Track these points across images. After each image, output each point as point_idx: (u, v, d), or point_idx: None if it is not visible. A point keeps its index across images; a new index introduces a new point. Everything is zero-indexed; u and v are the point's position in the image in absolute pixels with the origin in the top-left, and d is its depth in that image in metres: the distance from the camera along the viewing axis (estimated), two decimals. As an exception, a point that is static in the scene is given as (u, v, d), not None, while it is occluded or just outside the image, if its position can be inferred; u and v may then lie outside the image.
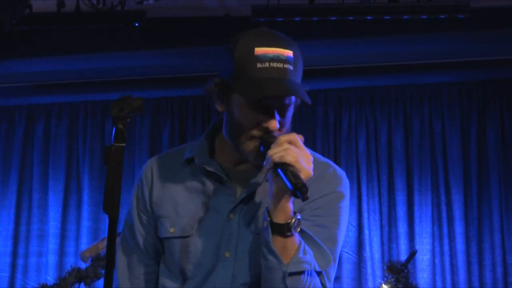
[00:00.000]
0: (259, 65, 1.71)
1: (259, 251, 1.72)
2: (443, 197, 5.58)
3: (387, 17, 4.66)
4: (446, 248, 5.51)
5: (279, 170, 1.65)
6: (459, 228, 5.50)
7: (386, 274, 4.49)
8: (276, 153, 1.66)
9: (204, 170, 1.84)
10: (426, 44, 5.33)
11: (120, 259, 1.94)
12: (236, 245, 1.79)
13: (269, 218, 1.69)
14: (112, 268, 1.60)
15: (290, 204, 1.69)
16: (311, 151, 1.78)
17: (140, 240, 1.91)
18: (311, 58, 5.70)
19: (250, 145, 1.75)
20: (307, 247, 1.73)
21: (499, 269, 5.41)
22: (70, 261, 5.82)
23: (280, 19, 4.73)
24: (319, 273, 1.76)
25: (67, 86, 5.91)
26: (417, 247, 5.43)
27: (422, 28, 5.16)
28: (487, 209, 5.54)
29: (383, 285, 4.44)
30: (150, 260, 1.92)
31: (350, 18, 4.69)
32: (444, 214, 5.56)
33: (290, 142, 1.67)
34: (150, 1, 4.77)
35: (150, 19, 4.91)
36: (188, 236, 1.81)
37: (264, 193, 1.79)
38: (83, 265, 4.34)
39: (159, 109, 6.09)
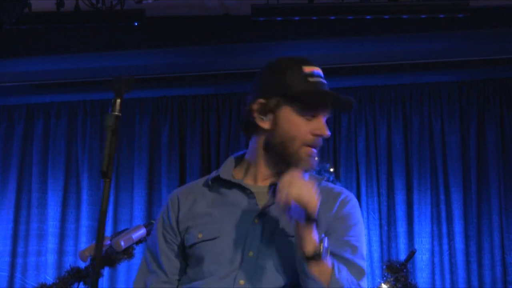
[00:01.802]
0: (310, 79, 1.99)
1: (300, 279, 1.87)
2: (442, 197, 5.58)
3: (386, 17, 4.66)
4: (445, 247, 5.51)
5: (293, 207, 1.80)
6: (458, 227, 5.50)
7: (385, 274, 4.48)
8: (281, 198, 1.80)
9: (230, 184, 2.02)
10: (425, 43, 5.33)
11: (139, 278, 2.10)
12: (259, 246, 1.92)
13: (299, 252, 1.83)
14: (103, 225, 1.78)
15: (313, 235, 1.82)
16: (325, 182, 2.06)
17: (163, 259, 2.05)
18: (310, 57, 5.70)
19: (305, 152, 1.96)
20: (340, 266, 1.88)
21: (498, 268, 5.41)
22: (70, 260, 5.83)
23: (279, 19, 4.73)
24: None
25: (66, 85, 5.91)
26: (416, 246, 5.43)
27: (422, 27, 5.16)
28: (486, 208, 5.54)
29: (382, 284, 4.44)
30: (166, 277, 2.05)
31: (350, 17, 4.69)
32: (443, 214, 5.56)
33: (290, 182, 1.81)
34: (149, 0, 4.77)
35: (150, 18, 4.90)
36: (215, 238, 1.96)
37: None
38: (82, 265, 4.33)
39: (158, 108, 6.09)
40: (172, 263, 2.04)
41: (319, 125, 1.97)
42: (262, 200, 1.99)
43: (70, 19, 4.83)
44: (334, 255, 1.89)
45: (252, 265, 1.91)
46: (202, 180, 2.12)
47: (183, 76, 5.82)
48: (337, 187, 2.11)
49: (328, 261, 1.85)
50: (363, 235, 2.04)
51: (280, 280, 1.91)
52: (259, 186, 2.01)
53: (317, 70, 2.02)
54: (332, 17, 4.70)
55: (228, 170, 2.07)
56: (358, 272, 1.93)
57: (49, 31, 5.28)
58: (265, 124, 1.99)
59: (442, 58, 5.46)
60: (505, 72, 5.69)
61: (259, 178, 2.03)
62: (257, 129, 2.01)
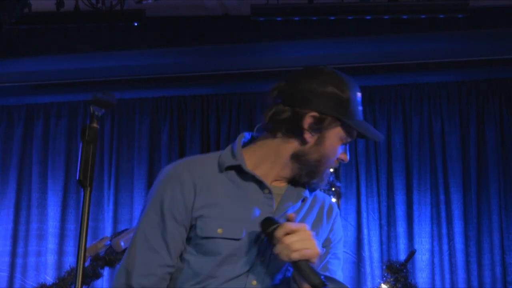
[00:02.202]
0: (359, 108, 2.01)
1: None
2: (442, 197, 5.58)
3: (386, 17, 4.66)
4: (445, 247, 5.51)
5: (293, 268, 1.84)
6: (458, 227, 5.50)
7: (385, 274, 4.49)
8: (281, 253, 1.82)
9: (251, 178, 1.96)
10: (425, 44, 5.33)
11: (139, 253, 1.95)
12: (270, 253, 1.91)
13: (304, 285, 1.85)
14: (85, 235, 1.86)
15: (315, 270, 1.84)
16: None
17: (168, 238, 1.93)
18: (310, 57, 5.74)
19: (328, 173, 2.01)
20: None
21: (498, 269, 5.41)
22: (69, 261, 5.82)
23: (279, 19, 4.73)
24: None
25: (66, 85, 5.91)
26: (416, 246, 5.43)
27: (422, 28, 5.16)
28: (486, 209, 5.54)
29: (382, 284, 4.44)
30: (171, 261, 1.95)
31: (349, 17, 4.68)
32: (443, 214, 5.56)
33: (286, 234, 1.82)
34: (149, 0, 4.77)
35: (149, 18, 4.90)
36: (237, 239, 1.91)
37: (299, 209, 2.01)
38: (82, 265, 4.33)
39: (158, 108, 6.09)
40: (177, 247, 1.94)
41: (345, 152, 2.02)
42: (276, 199, 1.98)
43: (70, 19, 4.82)
44: (330, 280, 1.92)
45: (263, 270, 1.93)
46: (213, 159, 2.02)
47: (182, 76, 5.82)
48: (325, 196, 2.15)
49: None
50: (341, 250, 2.13)
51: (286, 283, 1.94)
52: (271, 185, 1.99)
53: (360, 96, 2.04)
54: (332, 17, 4.70)
55: (242, 159, 1.99)
56: None
57: (49, 31, 5.28)
58: (311, 138, 1.96)
59: (442, 58, 5.46)
60: (505, 72, 5.69)
61: (270, 176, 1.99)
62: (294, 136, 1.96)
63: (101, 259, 4.23)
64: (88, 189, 1.86)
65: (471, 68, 5.61)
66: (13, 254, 6.02)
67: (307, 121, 1.94)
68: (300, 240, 1.81)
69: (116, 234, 4.35)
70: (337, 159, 2.00)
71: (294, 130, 1.95)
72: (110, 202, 5.96)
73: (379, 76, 5.76)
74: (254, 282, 1.91)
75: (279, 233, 1.82)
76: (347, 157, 2.01)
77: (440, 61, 5.52)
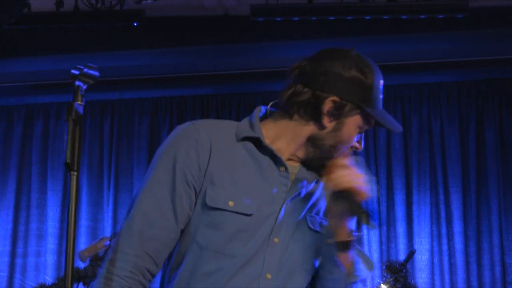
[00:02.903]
0: (381, 96, 1.92)
1: (324, 266, 1.88)
2: (441, 197, 5.58)
3: (385, 17, 4.66)
4: (444, 247, 5.51)
5: (339, 196, 1.82)
6: (457, 227, 5.50)
7: (385, 274, 4.49)
8: (332, 180, 1.83)
9: (268, 153, 1.87)
10: (424, 44, 5.33)
11: (145, 215, 1.80)
12: (285, 235, 1.85)
13: (333, 237, 1.84)
14: (73, 223, 1.68)
15: (349, 224, 1.84)
16: None
17: (177, 202, 1.80)
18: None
19: (337, 155, 1.92)
20: (358, 259, 1.91)
21: (498, 269, 5.41)
22: (65, 261, 5.81)
23: (278, 19, 4.74)
24: (365, 281, 1.95)
25: (65, 85, 5.88)
26: (416, 246, 5.43)
27: (421, 28, 5.16)
28: (485, 209, 5.54)
29: (381, 284, 4.44)
30: (177, 227, 1.81)
31: (349, 17, 4.69)
32: (442, 214, 5.56)
33: (343, 167, 1.85)
34: (149, 1, 4.77)
35: (149, 18, 4.91)
36: (250, 215, 1.80)
37: (314, 193, 1.93)
38: (82, 265, 4.34)
39: (157, 108, 6.09)
40: (185, 212, 1.81)
41: (361, 140, 1.96)
42: (291, 178, 1.89)
43: (70, 19, 4.83)
44: (358, 250, 1.93)
45: (277, 254, 1.83)
46: (232, 127, 1.91)
47: (182, 76, 5.82)
48: None
49: (352, 252, 1.88)
50: None
51: (302, 276, 1.89)
52: (287, 163, 1.90)
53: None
54: (331, 17, 4.70)
55: (260, 132, 1.89)
56: (370, 265, 1.96)
57: (49, 31, 5.28)
58: (329, 123, 1.87)
59: (441, 58, 5.46)
60: (505, 73, 5.69)
61: (285, 154, 1.89)
62: (313, 119, 1.87)
63: (100, 259, 4.22)
64: (76, 173, 1.76)
65: (471, 68, 5.62)
66: (13, 254, 6.02)
67: (327, 106, 1.85)
68: (354, 176, 1.85)
69: (115, 234, 4.35)
70: (351, 147, 1.94)
71: (313, 114, 1.86)
72: (109, 202, 5.96)
73: (378, 76, 5.76)
74: (269, 276, 1.81)
75: (338, 162, 1.86)
76: (361, 146, 1.97)
77: (440, 61, 5.52)
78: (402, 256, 5.28)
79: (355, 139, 1.93)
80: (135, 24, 4.80)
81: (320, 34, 5.31)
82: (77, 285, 4.37)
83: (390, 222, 5.63)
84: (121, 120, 6.15)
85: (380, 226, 5.62)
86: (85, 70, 1.82)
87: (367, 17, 4.68)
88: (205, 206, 1.80)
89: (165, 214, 1.79)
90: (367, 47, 5.39)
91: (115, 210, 5.95)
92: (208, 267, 1.80)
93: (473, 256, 5.49)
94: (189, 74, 5.80)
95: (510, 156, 5.60)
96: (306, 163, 1.92)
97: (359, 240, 1.89)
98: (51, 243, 5.96)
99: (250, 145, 1.87)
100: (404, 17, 4.66)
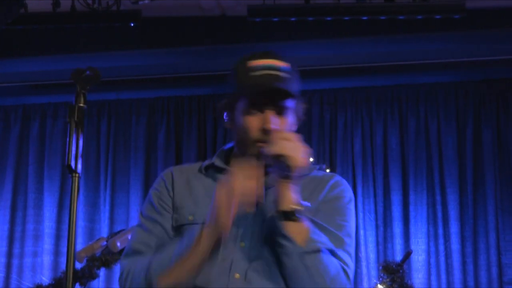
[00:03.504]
0: (251, 73, 1.94)
1: (275, 241, 1.86)
2: (438, 197, 5.59)
3: (382, 17, 4.66)
4: (441, 248, 5.51)
5: (274, 162, 1.85)
6: (454, 228, 5.50)
7: (382, 274, 4.48)
8: (269, 148, 1.85)
9: (223, 171, 2.01)
10: (421, 44, 5.33)
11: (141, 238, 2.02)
12: (251, 236, 1.92)
13: (277, 207, 1.85)
14: (73, 225, 1.79)
15: (291, 192, 1.85)
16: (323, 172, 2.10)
17: (165, 224, 2.01)
18: (306, 58, 5.74)
19: (254, 150, 1.93)
20: (318, 231, 1.89)
21: (494, 269, 5.41)
22: (66, 262, 5.81)
23: (276, 19, 4.73)
24: (334, 253, 1.90)
25: (62, 85, 5.90)
26: (413, 247, 5.43)
27: (418, 28, 5.16)
28: (482, 209, 5.54)
29: (378, 285, 4.44)
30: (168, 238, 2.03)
31: (346, 18, 4.69)
32: (439, 214, 5.56)
33: (283, 138, 1.86)
34: (146, 1, 4.76)
35: (146, 18, 4.90)
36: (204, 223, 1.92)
37: (272, 192, 1.95)
38: (78, 266, 4.33)
39: (154, 108, 6.09)
40: (165, 234, 2.02)
41: (264, 120, 1.93)
42: None
43: (66, 20, 4.82)
44: (315, 223, 1.90)
45: (245, 256, 1.90)
46: (196, 165, 2.12)
47: (179, 76, 5.82)
48: (329, 173, 2.13)
49: (306, 223, 1.85)
50: (352, 217, 2.03)
51: (272, 272, 1.89)
52: None
53: (266, 63, 1.95)
54: (329, 18, 4.70)
55: (220, 159, 2.08)
56: (337, 241, 1.92)
57: (45, 31, 5.27)
58: (229, 124, 2.04)
59: (438, 59, 5.47)
60: (502, 73, 5.69)
61: None
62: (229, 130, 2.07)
63: (97, 259, 4.22)
64: (77, 175, 1.79)
65: (468, 69, 5.62)
66: (9, 255, 6.01)
67: (221, 111, 2.06)
68: (292, 145, 1.84)
69: (112, 234, 4.35)
70: (262, 130, 1.93)
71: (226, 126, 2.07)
72: (106, 203, 5.96)
73: (375, 77, 5.77)
74: (238, 276, 1.88)
75: (277, 134, 1.87)
76: (268, 125, 1.92)
77: (437, 62, 5.52)
78: (398, 257, 5.28)
79: (258, 124, 1.93)
80: (132, 25, 4.80)
81: (317, 34, 5.31)
82: (74, 286, 4.36)
83: (387, 223, 5.64)
84: (118, 120, 6.15)
85: (377, 226, 5.63)
86: (87, 72, 1.87)
87: (364, 18, 4.68)
88: (175, 229, 2.00)
89: (157, 234, 2.01)
90: (364, 48, 5.42)
91: (111, 210, 5.95)
92: None
93: (470, 257, 5.49)
94: (186, 74, 5.80)
95: (507, 156, 5.61)
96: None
97: (307, 211, 1.86)
98: (47, 244, 5.95)
99: (212, 171, 2.06)
100: (401, 17, 4.66)
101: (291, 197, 1.85)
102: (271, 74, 1.94)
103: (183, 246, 1.88)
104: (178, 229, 1.99)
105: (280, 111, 1.96)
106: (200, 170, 2.08)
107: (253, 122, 1.94)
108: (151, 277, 1.88)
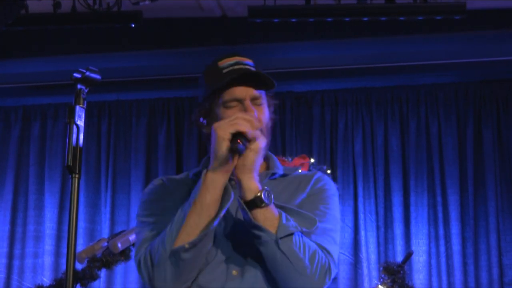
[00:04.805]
0: (224, 71, 1.99)
1: (251, 234, 1.86)
2: (439, 198, 5.58)
3: (383, 18, 4.66)
4: (442, 249, 5.51)
5: (234, 145, 1.84)
6: (455, 229, 5.50)
7: (382, 275, 4.48)
8: (219, 130, 1.87)
9: None
10: (422, 45, 5.33)
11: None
12: (245, 237, 1.90)
13: (241, 199, 1.86)
14: (74, 226, 1.77)
15: (253, 181, 1.86)
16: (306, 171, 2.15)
17: (159, 219, 2.01)
18: (307, 59, 5.74)
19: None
20: (288, 216, 1.88)
21: (495, 270, 5.41)
22: (66, 262, 5.80)
23: (276, 20, 4.73)
24: (307, 234, 1.90)
25: (63, 86, 5.90)
26: (413, 248, 5.43)
27: (419, 29, 5.17)
28: (483, 210, 5.54)
29: (379, 286, 4.44)
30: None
31: (347, 19, 4.69)
32: (440, 215, 5.56)
33: (243, 118, 1.88)
34: (146, 2, 4.76)
35: (146, 19, 4.90)
36: None
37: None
38: (79, 266, 4.34)
39: (155, 110, 6.09)
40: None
41: (246, 109, 1.96)
42: None
43: (67, 21, 4.82)
44: (285, 209, 1.91)
45: (241, 253, 1.93)
46: (182, 174, 2.15)
47: (180, 77, 5.81)
48: (313, 171, 2.14)
49: (274, 209, 1.86)
50: (335, 205, 2.05)
51: (265, 269, 1.91)
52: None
53: (235, 59, 2.02)
54: (329, 19, 4.70)
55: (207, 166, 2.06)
56: (309, 222, 1.92)
57: (46, 32, 5.28)
58: (207, 129, 2.01)
59: (439, 59, 5.46)
60: (502, 74, 5.69)
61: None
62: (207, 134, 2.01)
63: (98, 260, 4.22)
64: (77, 176, 1.78)
65: (468, 70, 5.62)
66: (10, 256, 6.01)
67: (197, 118, 2.06)
68: (233, 119, 1.86)
69: (113, 235, 4.35)
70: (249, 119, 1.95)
71: (203, 134, 2.06)
72: (107, 204, 5.96)
73: (376, 78, 5.77)
74: (235, 272, 1.91)
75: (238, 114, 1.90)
76: (248, 110, 1.96)
77: (437, 63, 5.52)
78: (399, 258, 5.28)
79: (233, 115, 1.92)
80: (133, 26, 4.80)
81: (318, 35, 5.31)
82: (75, 287, 4.36)
83: (388, 224, 5.64)
84: (119, 121, 6.15)
85: (377, 227, 5.63)
86: (87, 73, 1.86)
87: (365, 19, 4.68)
88: None
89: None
90: (364, 49, 5.42)
91: (112, 211, 5.95)
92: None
93: (471, 258, 5.49)
94: (186, 75, 5.79)
95: (508, 157, 5.61)
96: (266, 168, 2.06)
97: (271, 196, 1.86)
98: (48, 245, 5.95)
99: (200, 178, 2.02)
100: (402, 18, 4.66)
101: (254, 185, 1.85)
102: (242, 68, 1.99)
103: (191, 199, 1.90)
104: None
105: (256, 102, 1.99)
106: (186, 179, 2.11)
107: (233, 114, 1.93)
108: (169, 244, 1.87)
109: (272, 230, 1.83)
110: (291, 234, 1.84)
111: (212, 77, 2.01)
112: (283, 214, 1.87)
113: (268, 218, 1.84)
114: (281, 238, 1.83)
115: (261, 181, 1.92)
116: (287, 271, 1.85)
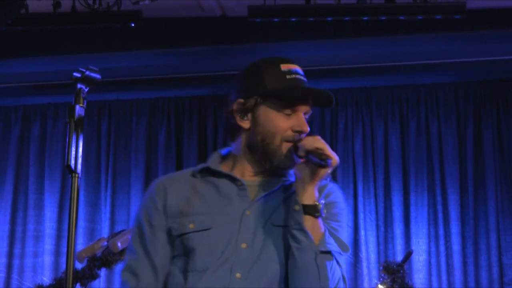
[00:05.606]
0: (288, 76, 2.02)
1: (289, 236, 1.90)
2: (439, 198, 5.58)
3: (383, 18, 4.66)
4: (442, 248, 5.51)
5: (310, 155, 1.90)
6: (455, 228, 5.50)
7: (382, 275, 4.48)
8: (308, 141, 1.93)
9: (219, 175, 2.05)
10: (422, 45, 5.33)
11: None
12: (252, 237, 1.94)
13: (299, 201, 1.90)
14: (74, 225, 1.77)
15: (315, 189, 1.92)
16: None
17: (152, 248, 2.03)
18: (307, 58, 5.74)
19: (285, 148, 1.98)
20: (328, 233, 1.93)
21: (495, 270, 5.41)
22: (65, 262, 5.80)
23: (276, 20, 4.73)
24: (339, 258, 1.95)
25: (63, 86, 5.90)
26: (413, 247, 5.43)
27: (419, 29, 5.17)
28: (483, 210, 5.54)
29: (379, 285, 4.44)
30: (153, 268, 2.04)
31: (347, 18, 4.69)
32: (440, 215, 5.56)
33: (314, 138, 1.94)
34: (146, 1, 4.77)
35: (146, 19, 4.90)
36: (208, 229, 1.96)
37: (278, 197, 2.01)
38: (79, 266, 4.33)
39: (155, 109, 6.09)
40: (160, 254, 2.03)
41: (299, 121, 2.00)
42: (252, 192, 2.02)
43: (67, 20, 4.82)
44: (327, 225, 1.96)
45: (246, 257, 1.93)
46: (188, 170, 2.13)
47: (180, 77, 5.82)
48: (324, 183, 2.14)
49: (321, 223, 1.92)
50: (345, 223, 2.08)
51: (275, 270, 1.93)
52: (247, 179, 2.04)
53: (296, 67, 2.05)
54: (329, 18, 4.70)
55: (215, 163, 2.11)
56: (344, 246, 1.98)
57: (46, 32, 5.28)
58: (246, 123, 2.04)
59: (439, 59, 5.46)
60: (502, 74, 5.69)
61: (246, 173, 2.06)
62: (239, 129, 2.05)
63: (98, 260, 4.22)
64: (77, 175, 1.79)
65: (468, 70, 5.62)
66: (10, 255, 6.01)
67: (235, 109, 2.05)
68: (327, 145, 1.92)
69: (113, 235, 4.35)
70: (294, 131, 2.00)
71: (234, 125, 2.06)
72: (107, 203, 5.96)
73: (376, 77, 5.77)
74: (239, 275, 1.91)
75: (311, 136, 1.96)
76: (305, 127, 2.01)
77: (437, 62, 5.52)
78: (399, 257, 5.28)
79: (286, 123, 2.00)
80: (133, 25, 4.80)
81: (318, 35, 5.32)
82: (74, 286, 4.36)
83: (388, 223, 5.64)
84: (119, 121, 6.15)
85: (377, 227, 5.63)
86: (87, 73, 1.86)
87: (365, 18, 4.68)
88: (174, 238, 2.01)
89: (143, 274, 2.03)
90: (364, 48, 5.42)
91: (112, 211, 5.95)
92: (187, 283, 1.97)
93: (471, 257, 5.49)
94: (186, 75, 5.80)
95: (508, 157, 5.61)
96: (271, 173, 2.05)
97: (324, 210, 1.91)
98: (48, 244, 5.95)
99: (206, 175, 2.08)
100: (401, 18, 4.66)
101: (315, 193, 1.92)
102: (303, 80, 2.04)
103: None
104: (180, 238, 2.00)
105: (307, 113, 2.04)
106: (193, 175, 2.10)
107: (285, 123, 1.99)
108: None
109: (315, 240, 1.88)
110: (329, 252, 1.90)
111: (270, 77, 2.02)
112: (327, 231, 1.92)
113: (315, 228, 1.89)
114: (321, 252, 1.88)
115: (271, 187, 2.00)
116: (310, 283, 1.88)
